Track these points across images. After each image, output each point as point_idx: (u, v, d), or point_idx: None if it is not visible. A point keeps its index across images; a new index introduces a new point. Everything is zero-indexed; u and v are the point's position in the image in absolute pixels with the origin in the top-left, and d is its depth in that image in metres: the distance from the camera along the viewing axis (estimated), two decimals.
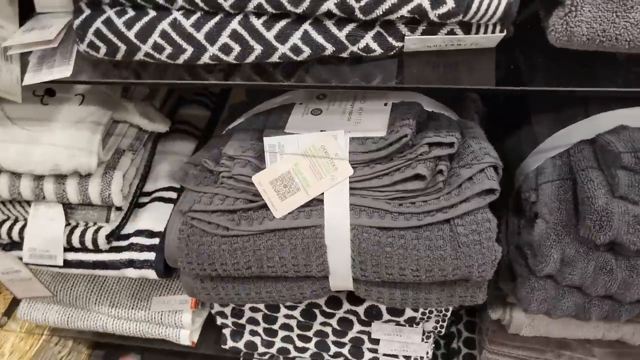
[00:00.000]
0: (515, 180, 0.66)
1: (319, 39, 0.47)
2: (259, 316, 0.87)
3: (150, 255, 0.74)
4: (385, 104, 0.63)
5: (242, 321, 0.88)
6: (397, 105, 0.62)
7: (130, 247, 0.75)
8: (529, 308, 0.60)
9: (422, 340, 0.83)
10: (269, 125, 0.63)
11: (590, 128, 0.56)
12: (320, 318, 0.84)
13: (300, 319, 0.85)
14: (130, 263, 0.74)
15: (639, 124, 0.54)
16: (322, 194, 0.59)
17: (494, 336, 0.83)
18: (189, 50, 0.48)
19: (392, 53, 0.47)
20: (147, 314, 0.92)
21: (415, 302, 0.63)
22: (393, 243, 0.57)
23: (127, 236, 0.76)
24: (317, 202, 0.60)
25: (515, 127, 0.70)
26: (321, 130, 0.61)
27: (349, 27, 0.46)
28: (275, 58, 0.48)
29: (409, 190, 0.58)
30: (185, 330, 0.94)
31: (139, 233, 0.76)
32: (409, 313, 0.77)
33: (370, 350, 0.87)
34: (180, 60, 0.49)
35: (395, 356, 0.87)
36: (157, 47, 0.49)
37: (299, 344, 0.90)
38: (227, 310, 0.88)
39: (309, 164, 0.59)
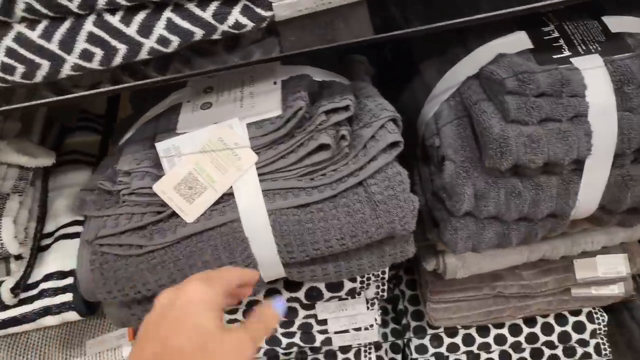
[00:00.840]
0: (418, 130, 0.67)
1: (185, 24, 0.44)
2: None
3: (67, 297, 0.68)
4: (275, 83, 0.62)
5: None
6: (287, 82, 0.61)
7: (42, 295, 0.68)
8: (457, 248, 0.62)
9: (368, 308, 0.83)
10: (159, 130, 0.60)
11: (473, 63, 0.58)
12: None
13: (244, 319, 0.83)
14: (46, 311, 0.68)
15: (515, 49, 0.56)
16: (231, 187, 0.57)
17: (433, 287, 0.85)
18: (45, 64, 0.44)
19: (264, 24, 0.45)
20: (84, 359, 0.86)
21: (350, 272, 0.63)
22: (313, 218, 0.56)
23: (36, 284, 0.70)
24: (228, 197, 0.58)
25: (407, 81, 0.72)
26: (215, 123, 0.58)
27: (213, 6, 0.44)
28: (143, 54, 0.45)
29: (317, 163, 0.57)
30: None
31: (48, 277, 0.70)
32: (348, 285, 0.77)
33: (321, 332, 0.87)
34: (39, 78, 0.45)
35: (346, 331, 0.87)
36: (7, 68, 0.44)
37: None
38: None
39: (211, 160, 0.57)
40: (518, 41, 0.58)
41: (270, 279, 0.63)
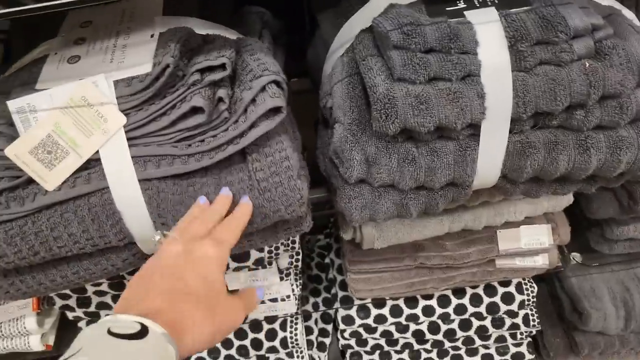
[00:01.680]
0: (320, 91, 0.61)
1: None
2: (107, 299, 0.80)
3: None
4: (152, 35, 0.55)
5: (92, 309, 0.81)
6: (164, 34, 0.55)
7: None
8: (352, 217, 0.57)
9: (282, 279, 0.79)
10: (17, 84, 0.53)
11: (368, 15, 0.52)
12: None
13: None
14: None
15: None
16: (97, 152, 0.51)
17: (352, 256, 0.82)
18: None
19: None
20: None
21: (240, 248, 0.58)
22: (194, 196, 0.52)
23: None
24: (95, 163, 0.52)
25: (310, 36, 0.66)
26: (79, 79, 0.52)
27: None
28: None
29: (193, 127, 0.51)
30: (34, 335, 0.85)
31: None
32: (255, 255, 0.73)
33: None
34: None
35: (262, 302, 0.83)
36: None
37: None
38: (72, 302, 0.80)
39: (73, 121, 0.51)
40: None
41: (152, 252, 0.58)
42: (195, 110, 0.50)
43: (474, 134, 0.51)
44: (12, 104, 0.50)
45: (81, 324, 0.85)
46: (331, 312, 1.03)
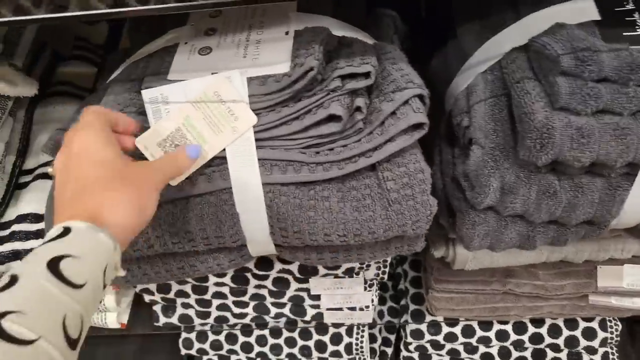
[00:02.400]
0: (445, 104, 0.58)
1: None
2: (187, 288, 0.79)
3: (38, 243, 0.62)
4: (287, 33, 0.53)
5: (171, 295, 0.80)
6: (301, 33, 0.52)
7: (13, 237, 0.63)
8: (472, 245, 0.54)
9: (365, 289, 0.77)
10: (148, 72, 0.52)
11: (523, 32, 0.48)
12: (253, 281, 0.76)
13: (232, 285, 0.77)
14: (16, 255, 0.63)
15: (577, 19, 0.47)
16: (224, 150, 0.50)
17: (438, 275, 0.79)
18: None
19: None
20: None
21: (347, 260, 0.56)
22: (316, 207, 0.49)
23: (8, 224, 0.64)
24: (219, 161, 0.50)
25: (441, 44, 0.62)
26: (212, 73, 0.50)
27: None
28: None
29: (325, 135, 0.49)
30: (111, 313, 0.86)
31: (21, 219, 0.64)
32: (346, 264, 0.70)
33: (313, 306, 0.81)
34: None
35: (340, 309, 0.81)
36: None
37: (236, 310, 0.83)
38: (153, 287, 0.80)
39: (203, 116, 0.49)
40: (582, 10, 0.48)
41: (259, 254, 0.56)
42: (331, 118, 0.48)
43: (628, 173, 0.47)
44: (146, 94, 0.49)
45: (156, 307, 0.85)
46: (395, 321, 1.01)
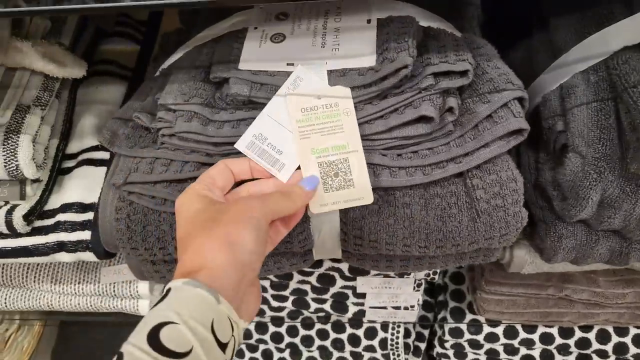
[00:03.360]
0: (529, 100, 0.53)
1: None
2: None
3: (85, 235, 0.59)
4: (369, 21, 0.48)
5: None
6: (386, 22, 0.48)
7: (58, 227, 0.60)
8: (554, 258, 0.50)
9: (414, 289, 0.74)
10: (216, 59, 0.47)
11: (638, 28, 0.43)
12: (297, 277, 0.73)
13: (274, 279, 0.74)
14: (61, 246, 0.59)
15: None
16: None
17: (490, 276, 0.75)
18: None
19: None
20: (97, 287, 0.80)
21: (418, 269, 0.53)
22: (396, 214, 0.45)
23: (53, 213, 0.61)
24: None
25: (524, 33, 0.57)
26: (287, 64, 0.46)
27: None
28: None
29: (410, 137, 0.45)
30: (143, 300, 0.83)
31: (66, 208, 0.60)
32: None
33: (356, 304, 0.78)
34: None
35: (384, 307, 0.78)
36: None
37: (275, 303, 0.81)
38: None
39: (319, 131, 0.44)
40: None
41: (321, 258, 0.53)
42: (420, 119, 0.44)
43: None
44: (241, 144, 0.44)
45: None
46: (429, 316, 0.98)
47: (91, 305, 0.84)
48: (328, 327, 0.91)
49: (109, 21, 0.75)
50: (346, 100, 0.44)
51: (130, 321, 0.88)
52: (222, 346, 0.32)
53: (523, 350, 0.89)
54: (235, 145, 0.44)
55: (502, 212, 0.44)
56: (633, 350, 0.84)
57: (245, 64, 0.47)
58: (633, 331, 0.84)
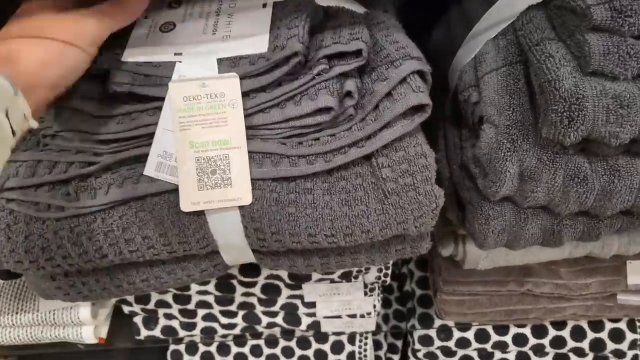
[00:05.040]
0: (449, 79, 0.50)
1: None
2: (169, 298, 0.72)
3: None
4: (265, 5, 0.45)
5: (151, 306, 0.73)
6: (281, 5, 0.44)
7: None
8: (486, 243, 0.46)
9: (365, 294, 0.69)
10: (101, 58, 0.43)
11: None
12: (240, 289, 0.69)
13: (217, 293, 0.70)
14: None
15: None
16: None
17: (447, 275, 0.70)
18: None
19: None
20: (36, 315, 0.77)
21: (341, 266, 0.48)
22: (297, 201, 0.41)
23: None
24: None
25: (441, 11, 0.54)
26: (175, 53, 0.43)
27: None
28: None
29: (310, 126, 0.41)
30: (87, 326, 0.79)
31: None
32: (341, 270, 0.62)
33: (308, 314, 0.73)
34: None
35: (338, 316, 0.73)
36: None
37: (224, 320, 0.76)
38: (131, 297, 0.72)
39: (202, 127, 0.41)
40: None
41: (235, 263, 0.48)
42: (319, 110, 0.40)
43: None
44: (149, 168, 0.41)
45: (137, 319, 0.78)
46: (402, 326, 0.93)
47: (32, 336, 0.80)
48: (293, 343, 0.86)
49: None
50: (233, 90, 0.40)
51: (90, 350, 0.84)
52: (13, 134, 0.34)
53: (498, 354, 0.84)
54: (144, 173, 0.41)
55: (412, 191, 0.40)
56: (611, 345, 0.79)
57: (130, 56, 0.43)
58: (609, 325, 0.78)
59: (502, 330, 0.81)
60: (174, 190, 0.42)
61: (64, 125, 0.42)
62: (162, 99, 0.41)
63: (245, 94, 0.41)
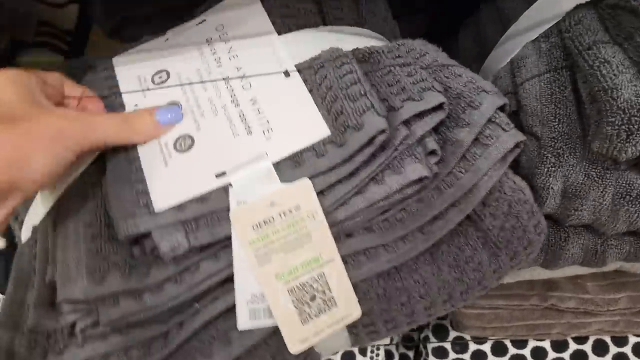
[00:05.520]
0: None
1: None
2: None
3: None
4: (287, 74, 0.37)
5: None
6: (308, 70, 0.37)
7: None
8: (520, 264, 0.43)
9: None
10: (115, 206, 0.34)
11: None
12: None
13: None
14: None
15: None
16: None
17: None
18: None
19: None
20: None
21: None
22: (407, 287, 0.38)
23: None
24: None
25: (469, 11, 0.50)
26: (217, 175, 0.34)
27: None
28: None
29: (397, 201, 0.36)
30: None
31: None
32: None
33: None
34: None
35: None
36: None
37: None
38: None
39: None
40: None
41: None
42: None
43: None
44: (242, 321, 0.35)
45: None
46: (414, 336, 0.90)
47: None
48: None
49: (27, 31, 0.69)
50: (308, 198, 0.34)
51: None
52: None
53: None
54: (239, 328, 0.34)
55: (520, 231, 0.37)
56: None
57: (162, 202, 0.33)
58: (632, 340, 0.76)
59: (520, 343, 0.78)
60: (274, 333, 0.36)
61: (112, 313, 0.33)
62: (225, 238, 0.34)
63: (319, 193, 0.35)
